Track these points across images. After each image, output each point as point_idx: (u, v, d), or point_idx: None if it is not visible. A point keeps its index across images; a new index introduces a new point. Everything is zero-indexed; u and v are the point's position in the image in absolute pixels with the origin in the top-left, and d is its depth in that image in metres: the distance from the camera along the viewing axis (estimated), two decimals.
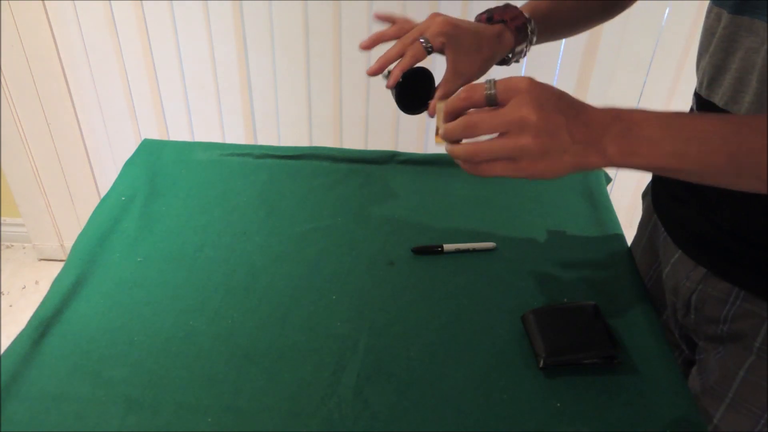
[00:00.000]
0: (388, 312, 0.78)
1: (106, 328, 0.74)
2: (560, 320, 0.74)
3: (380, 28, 0.79)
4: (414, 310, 0.78)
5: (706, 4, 0.68)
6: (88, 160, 1.90)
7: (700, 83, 0.70)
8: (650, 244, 0.85)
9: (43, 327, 0.74)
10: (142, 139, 1.12)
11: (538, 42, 0.80)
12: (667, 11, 1.53)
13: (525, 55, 0.81)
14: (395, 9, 1.57)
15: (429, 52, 0.73)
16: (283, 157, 1.07)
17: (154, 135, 1.85)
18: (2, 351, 0.71)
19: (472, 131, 0.56)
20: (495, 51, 0.77)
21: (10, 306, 1.97)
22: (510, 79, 0.55)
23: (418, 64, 0.75)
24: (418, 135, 1.78)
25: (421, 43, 0.73)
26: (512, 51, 0.78)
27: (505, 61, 0.80)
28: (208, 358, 0.71)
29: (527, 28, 0.77)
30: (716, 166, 0.53)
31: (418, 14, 1.56)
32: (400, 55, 0.74)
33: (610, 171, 1.65)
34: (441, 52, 0.74)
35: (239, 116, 1.79)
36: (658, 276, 0.82)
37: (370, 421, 0.65)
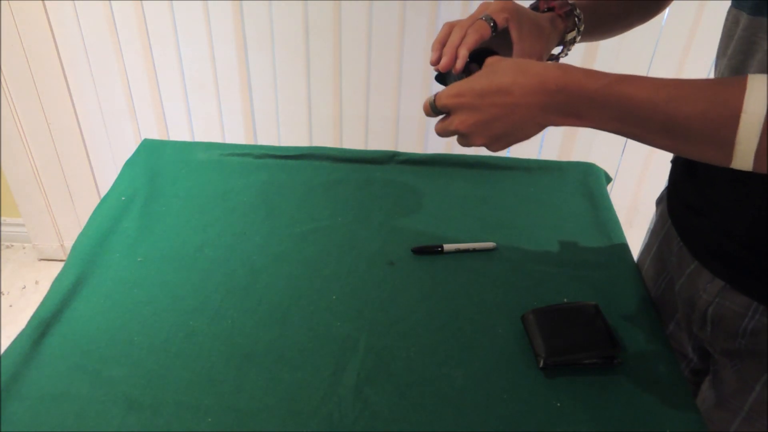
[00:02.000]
0: (388, 312, 0.78)
1: (106, 328, 0.74)
2: (560, 320, 0.74)
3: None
4: (414, 310, 0.78)
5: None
6: (88, 160, 1.91)
7: None
8: (660, 252, 0.83)
9: (43, 327, 0.74)
10: (142, 139, 1.12)
11: (580, 39, 0.79)
12: (667, 11, 1.53)
13: (573, 44, 0.79)
14: (395, 9, 1.57)
15: (494, 31, 0.68)
16: (283, 157, 1.07)
17: (154, 135, 1.85)
18: (2, 351, 0.71)
19: (442, 136, 0.68)
20: (552, 35, 0.74)
21: (10, 306, 1.97)
22: (439, 95, 0.65)
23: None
24: (418, 135, 1.78)
25: (483, 20, 0.68)
26: (563, 40, 0.76)
27: (553, 57, 0.78)
28: (208, 358, 0.71)
29: (574, 14, 0.76)
30: (653, 131, 0.56)
31: (418, 15, 1.57)
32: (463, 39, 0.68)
33: (610, 171, 1.65)
34: (502, 34, 0.70)
35: (239, 116, 1.79)
36: (668, 285, 0.80)
37: (370, 421, 0.65)
